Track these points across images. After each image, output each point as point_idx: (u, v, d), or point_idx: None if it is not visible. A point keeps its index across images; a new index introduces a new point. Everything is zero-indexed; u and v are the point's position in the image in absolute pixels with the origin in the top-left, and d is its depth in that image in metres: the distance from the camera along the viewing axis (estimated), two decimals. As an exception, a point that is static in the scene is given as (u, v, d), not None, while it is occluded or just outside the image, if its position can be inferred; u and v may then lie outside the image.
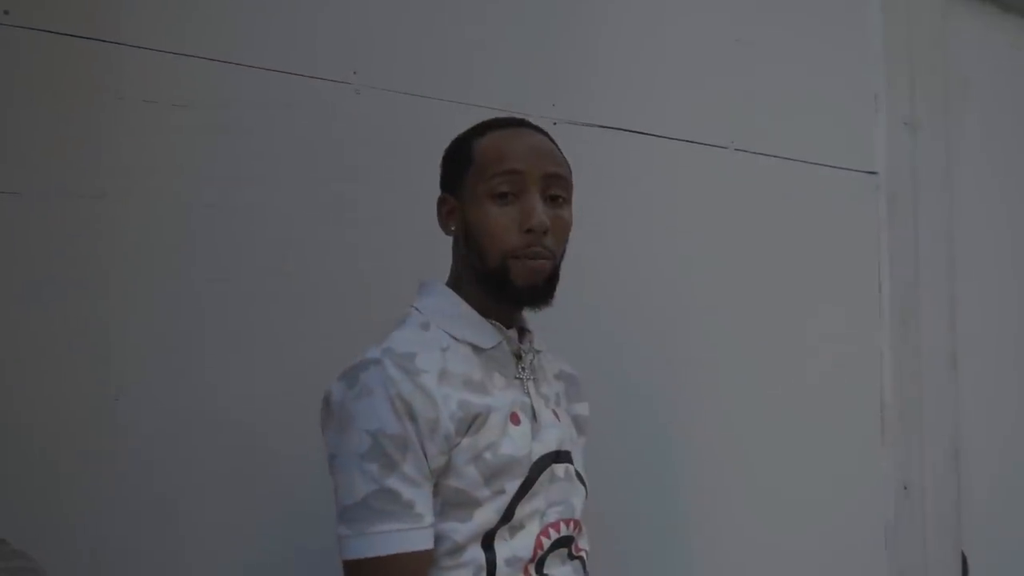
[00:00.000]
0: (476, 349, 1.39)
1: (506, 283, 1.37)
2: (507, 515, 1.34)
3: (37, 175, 1.49)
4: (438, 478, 1.31)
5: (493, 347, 1.40)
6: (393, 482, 1.27)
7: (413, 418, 1.28)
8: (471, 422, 1.33)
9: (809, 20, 2.54)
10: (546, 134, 1.45)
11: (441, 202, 1.45)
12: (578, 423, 1.55)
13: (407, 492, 1.27)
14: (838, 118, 2.56)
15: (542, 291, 1.39)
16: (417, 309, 1.42)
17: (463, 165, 1.42)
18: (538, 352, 1.48)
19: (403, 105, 1.81)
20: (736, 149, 2.33)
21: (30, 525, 1.44)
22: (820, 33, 2.57)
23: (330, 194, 1.72)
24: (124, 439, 1.52)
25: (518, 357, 1.43)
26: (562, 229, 1.41)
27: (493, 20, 1.97)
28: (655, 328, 2.15)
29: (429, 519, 1.29)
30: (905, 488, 2.62)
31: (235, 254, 1.63)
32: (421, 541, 1.27)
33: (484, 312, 1.41)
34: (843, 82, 2.60)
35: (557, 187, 1.40)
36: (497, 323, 1.42)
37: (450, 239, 1.46)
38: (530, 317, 1.46)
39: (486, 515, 1.32)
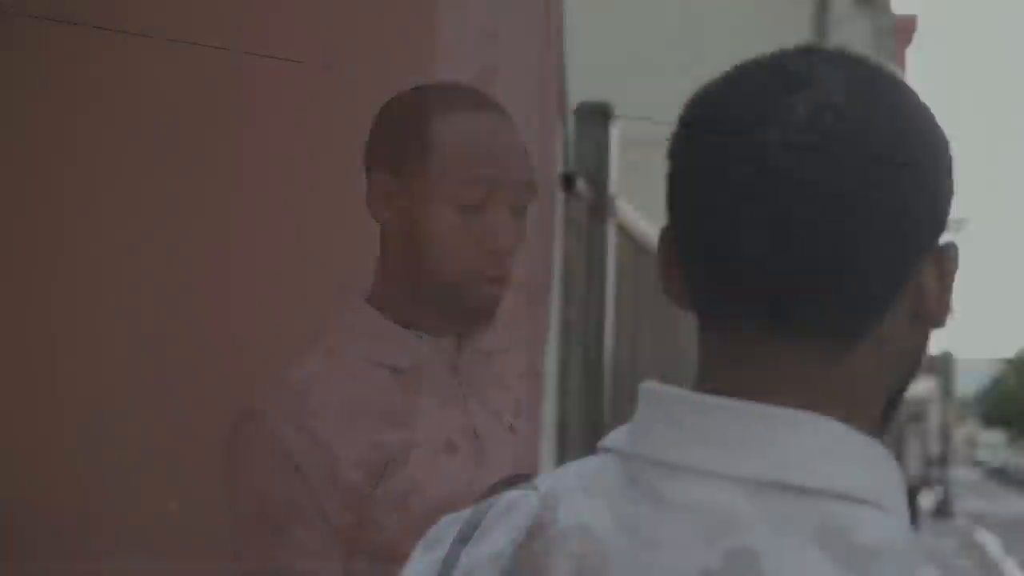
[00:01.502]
0: (395, 371, 1.20)
1: (457, 306, 1.20)
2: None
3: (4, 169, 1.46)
4: (355, 532, 1.15)
5: (419, 365, 1.21)
6: (282, 554, 1.14)
7: (303, 476, 1.13)
8: (384, 467, 1.15)
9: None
10: (511, 119, 1.25)
11: (375, 182, 1.22)
12: None
13: (299, 563, 1.13)
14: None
15: (492, 315, 1.22)
16: (327, 329, 1.24)
17: (417, 148, 1.20)
18: (489, 355, 1.30)
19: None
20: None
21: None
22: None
23: (325, 184, 1.66)
24: (106, 447, 1.49)
25: (456, 370, 1.24)
26: (519, 245, 1.24)
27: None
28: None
29: None
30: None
31: (231, 248, 1.60)
32: None
33: (412, 321, 1.22)
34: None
35: (525, 195, 1.23)
36: (426, 335, 1.22)
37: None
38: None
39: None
